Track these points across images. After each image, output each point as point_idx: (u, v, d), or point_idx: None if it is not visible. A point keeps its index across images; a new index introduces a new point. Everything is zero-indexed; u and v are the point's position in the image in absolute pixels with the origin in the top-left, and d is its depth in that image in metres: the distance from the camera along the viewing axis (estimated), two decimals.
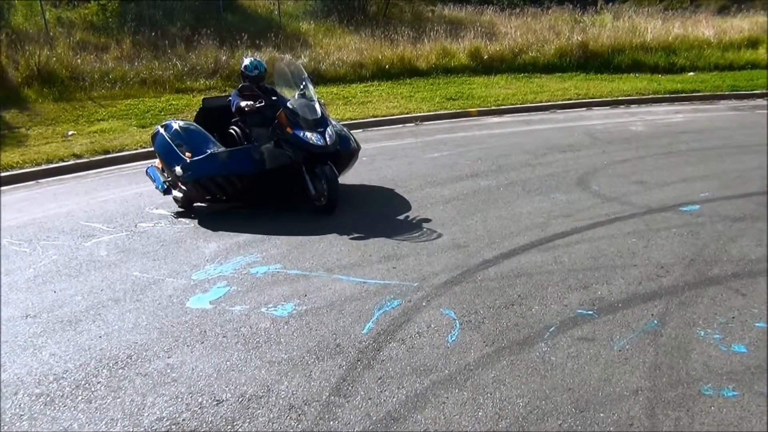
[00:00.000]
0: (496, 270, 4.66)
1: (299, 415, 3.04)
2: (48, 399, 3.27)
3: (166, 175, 6.68)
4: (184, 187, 6.33)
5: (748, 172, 6.99)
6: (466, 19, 21.17)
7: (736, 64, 16.82)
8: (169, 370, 3.50)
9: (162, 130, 6.73)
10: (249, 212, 6.45)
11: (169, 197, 6.61)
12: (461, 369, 3.37)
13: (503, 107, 12.78)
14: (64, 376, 3.48)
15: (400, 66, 16.06)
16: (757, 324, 3.69)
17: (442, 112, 12.42)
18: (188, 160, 6.19)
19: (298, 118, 6.15)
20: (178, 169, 6.21)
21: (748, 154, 7.89)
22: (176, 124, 6.67)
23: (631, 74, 16.26)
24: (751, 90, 13.90)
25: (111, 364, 3.58)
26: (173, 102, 13.04)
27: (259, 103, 6.54)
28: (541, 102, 13.12)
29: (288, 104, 6.30)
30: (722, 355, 3.38)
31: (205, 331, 3.93)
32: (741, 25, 20.02)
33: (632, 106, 13.01)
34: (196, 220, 6.23)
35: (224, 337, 3.85)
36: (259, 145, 6.29)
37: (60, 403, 3.23)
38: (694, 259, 4.68)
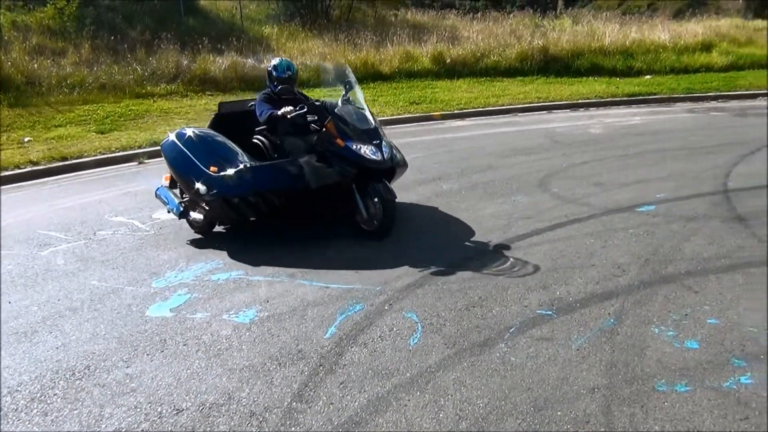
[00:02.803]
0: (458, 272, 4.70)
1: (260, 422, 3.02)
2: (1, 413, 3.19)
3: (178, 193, 5.97)
4: (207, 207, 5.50)
5: (702, 173, 7.18)
6: (429, 23, 21.33)
7: (690, 67, 17.26)
8: (128, 380, 3.45)
9: (175, 140, 5.75)
10: None
11: (128, 208, 6.52)
12: (423, 371, 3.39)
13: (466, 111, 12.92)
14: (19, 389, 3.40)
15: (363, 70, 16.09)
16: (709, 320, 3.80)
17: (405, 116, 12.50)
18: (214, 175, 5.33)
19: (348, 128, 5.44)
20: (200, 187, 5.31)
21: (703, 155, 8.11)
22: (192, 133, 5.75)
23: (590, 78, 16.58)
24: (706, 92, 14.29)
25: (68, 376, 3.52)
26: (133, 107, 12.85)
27: (301, 108, 5.71)
28: (503, 105, 13.30)
29: (336, 112, 5.54)
30: (676, 351, 3.47)
31: (165, 340, 3.88)
32: (695, 29, 20.58)
33: (591, 108, 13.27)
34: (157, 227, 6.14)
35: (185, 345, 3.81)
36: (297, 158, 5.45)
37: (14, 417, 3.15)
38: (649, 258, 4.80)
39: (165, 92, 14.10)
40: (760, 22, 26.44)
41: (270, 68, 6.14)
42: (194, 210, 5.74)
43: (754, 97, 13.82)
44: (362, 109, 5.76)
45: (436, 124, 12.06)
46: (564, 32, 19.41)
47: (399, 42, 18.00)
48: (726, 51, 18.30)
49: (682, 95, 14.13)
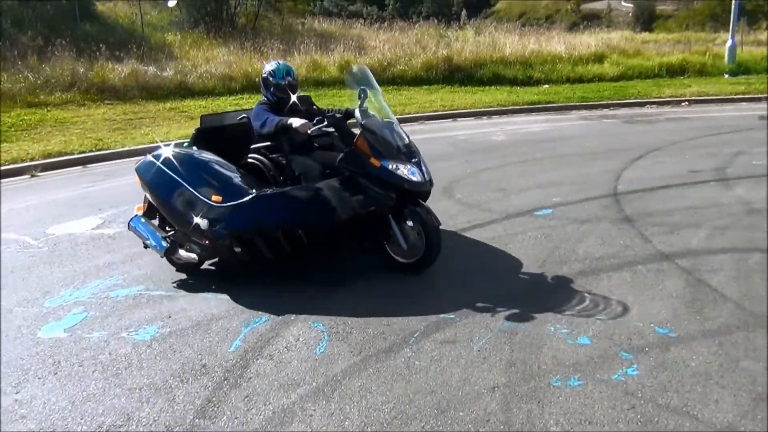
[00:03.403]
0: (364, 280, 4.75)
1: None
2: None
3: (158, 224, 5.07)
4: (208, 245, 4.59)
5: (594, 177, 7.59)
6: (336, 32, 21.48)
7: (584, 77, 18.21)
8: (17, 407, 3.26)
9: (156, 161, 4.77)
10: (109, 233, 6.13)
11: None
12: (329, 380, 3.40)
13: None
14: None
15: None
16: (600, 317, 4.02)
17: None
18: (219, 206, 4.44)
19: (379, 145, 4.60)
20: (200, 221, 4.42)
21: (595, 161, 8.58)
22: (176, 153, 4.78)
23: (492, 87, 17.15)
24: (598, 101, 15.10)
25: None
26: (25, 117, 12.17)
27: (319, 122, 4.88)
28: (410, 114, 13.52)
29: (365, 125, 4.71)
30: (569, 348, 3.65)
31: (59, 362, 3.70)
32: (589, 41, 21.76)
33: (494, 117, 13.73)
34: (51, 243, 5.83)
35: (80, 366, 3.64)
36: (314, 182, 4.69)
37: None
38: (546, 260, 5.03)
39: (60, 101, 13.45)
40: (647, 35, 28.35)
41: (266, 74, 5.32)
42: (182, 246, 4.83)
43: (642, 105, 14.74)
44: (391, 122, 4.91)
45: None
46: (467, 42, 20.04)
47: (306, 51, 18.01)
48: (616, 62, 19.43)
49: (576, 103, 14.87)
